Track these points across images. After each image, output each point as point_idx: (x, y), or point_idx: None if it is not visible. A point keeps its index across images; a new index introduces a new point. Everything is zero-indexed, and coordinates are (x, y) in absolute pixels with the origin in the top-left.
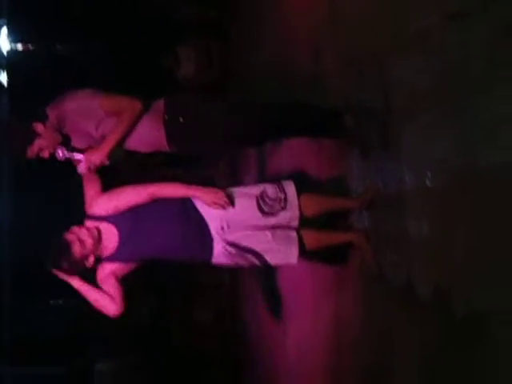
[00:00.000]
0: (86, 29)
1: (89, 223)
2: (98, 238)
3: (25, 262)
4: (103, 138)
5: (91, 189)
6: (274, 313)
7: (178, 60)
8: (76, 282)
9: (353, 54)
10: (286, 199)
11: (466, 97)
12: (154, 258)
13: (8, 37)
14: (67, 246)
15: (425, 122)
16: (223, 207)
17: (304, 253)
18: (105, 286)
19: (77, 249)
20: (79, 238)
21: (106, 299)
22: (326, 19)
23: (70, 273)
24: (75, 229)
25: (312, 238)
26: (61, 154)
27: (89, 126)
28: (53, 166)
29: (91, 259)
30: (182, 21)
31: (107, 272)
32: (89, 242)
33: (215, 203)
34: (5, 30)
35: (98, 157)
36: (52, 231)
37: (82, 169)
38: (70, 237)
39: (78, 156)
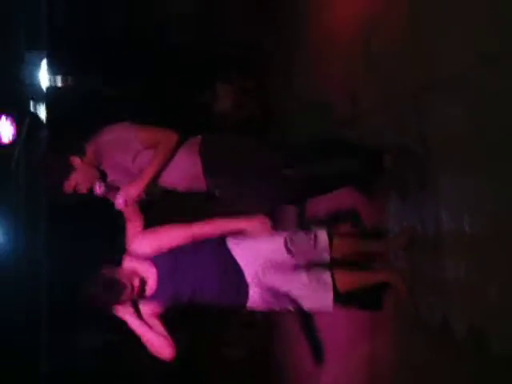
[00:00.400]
0: (126, 64)
1: (128, 260)
2: (143, 284)
3: (63, 297)
4: (140, 171)
5: (134, 225)
6: (315, 356)
7: (216, 96)
8: (133, 321)
9: (389, 94)
10: (315, 238)
11: (504, 140)
12: (189, 303)
13: (48, 71)
14: (120, 286)
15: (462, 165)
16: (270, 233)
17: (339, 296)
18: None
19: (127, 292)
20: (132, 283)
21: (161, 340)
22: (362, 59)
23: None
24: (126, 271)
25: (346, 280)
26: (98, 189)
27: (126, 159)
28: (91, 200)
29: (128, 303)
30: (221, 58)
31: (147, 313)
32: (136, 285)
33: (262, 231)
34: (45, 63)
35: (136, 190)
36: (90, 267)
37: (118, 204)
38: (124, 279)
39: (115, 192)
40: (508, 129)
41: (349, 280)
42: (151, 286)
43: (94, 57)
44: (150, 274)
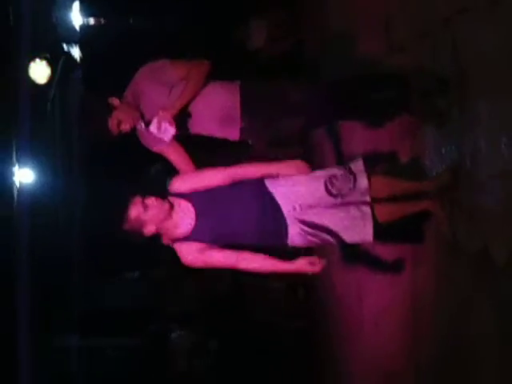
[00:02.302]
0: (159, 1)
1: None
2: (168, 213)
3: (100, 234)
4: None
5: (182, 163)
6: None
7: (250, 32)
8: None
9: (424, 22)
10: (355, 180)
11: None
12: (229, 242)
13: (80, 11)
14: (127, 204)
15: (500, 90)
16: (309, 175)
17: (379, 226)
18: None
19: (135, 211)
20: (143, 203)
21: (258, 256)
22: None
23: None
24: (146, 196)
25: (385, 210)
26: (139, 126)
27: (162, 93)
28: (130, 141)
29: (150, 228)
30: None
31: (200, 248)
32: (153, 211)
33: (301, 174)
34: (77, 4)
35: (169, 112)
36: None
37: (153, 128)
38: (134, 198)
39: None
40: None
41: (388, 210)
42: (189, 225)
43: None
44: (189, 213)
